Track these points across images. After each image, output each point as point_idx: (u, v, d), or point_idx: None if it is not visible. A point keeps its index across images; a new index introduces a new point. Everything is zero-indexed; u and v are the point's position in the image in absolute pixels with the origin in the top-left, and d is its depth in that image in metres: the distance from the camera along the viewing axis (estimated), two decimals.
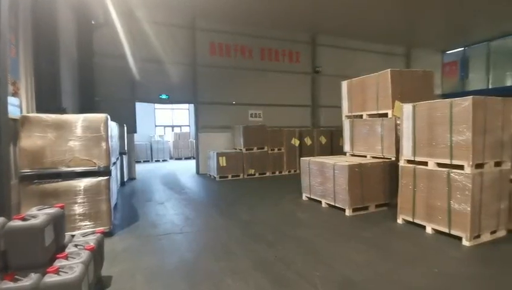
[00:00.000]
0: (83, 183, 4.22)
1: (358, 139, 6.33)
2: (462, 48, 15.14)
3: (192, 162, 11.79)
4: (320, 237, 4.25)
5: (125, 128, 8.51)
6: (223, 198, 7.03)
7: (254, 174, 9.67)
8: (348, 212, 5.27)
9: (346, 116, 6.66)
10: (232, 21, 10.47)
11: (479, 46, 14.51)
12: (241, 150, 9.63)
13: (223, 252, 3.81)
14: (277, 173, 10.05)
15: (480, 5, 9.98)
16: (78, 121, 4.25)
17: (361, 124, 6.25)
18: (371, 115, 6.04)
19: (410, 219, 4.56)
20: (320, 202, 5.97)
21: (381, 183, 5.48)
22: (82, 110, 7.67)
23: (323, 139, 10.79)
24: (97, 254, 2.81)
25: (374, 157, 5.92)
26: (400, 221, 4.75)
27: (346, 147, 6.67)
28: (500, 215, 4.04)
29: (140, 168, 11.63)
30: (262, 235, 4.37)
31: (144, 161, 15.09)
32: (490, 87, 13.97)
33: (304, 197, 6.46)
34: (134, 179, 9.67)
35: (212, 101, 10.61)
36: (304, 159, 6.47)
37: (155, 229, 4.71)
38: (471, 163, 3.73)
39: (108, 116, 4.51)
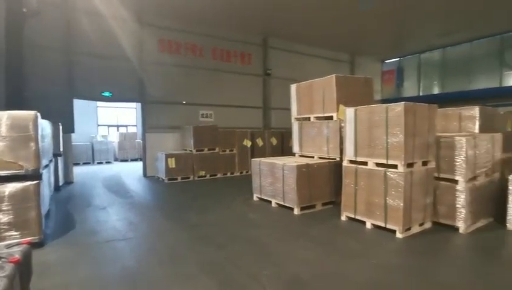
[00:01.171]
0: (8, 188, 3.74)
1: (307, 141, 6.59)
2: (398, 58, 16.73)
3: (139, 164, 11.20)
4: (270, 237, 4.32)
5: (61, 127, 7.74)
6: (171, 201, 6.79)
7: (205, 176, 9.51)
8: (296, 211, 5.44)
9: (295, 118, 6.89)
10: (182, 18, 10.19)
11: (411, 57, 16.16)
12: (191, 151, 9.40)
13: (168, 257, 3.66)
14: (229, 174, 10.01)
15: (412, 22, 11.12)
16: (2, 118, 3.76)
17: (309, 126, 6.51)
18: (318, 118, 6.33)
19: (353, 216, 4.87)
20: (270, 202, 6.08)
21: (327, 182, 5.76)
22: (8, 106, 6.79)
23: (274, 140, 11.04)
24: (23, 267, 2.49)
25: (321, 157, 6.20)
26: (343, 218, 5.03)
27: (295, 148, 6.90)
28: (427, 209, 4.51)
29: (79, 171, 10.70)
30: (211, 237, 4.31)
31: (84, 163, 13.91)
32: (421, 94, 15.62)
33: (255, 198, 6.52)
34: (72, 182, 8.86)
35: (161, 100, 10.19)
36: (255, 160, 6.54)
37: (94, 236, 4.36)
38: (403, 163, 4.11)
39: (39, 114, 4.06)
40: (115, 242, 4.14)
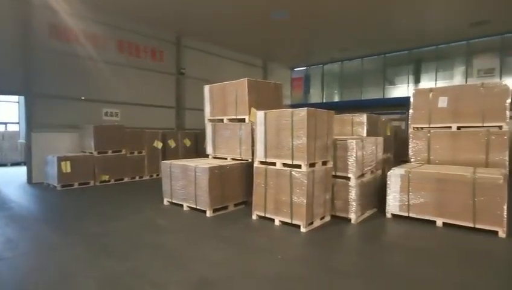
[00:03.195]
0: None
1: (220, 142, 6.60)
2: (306, 67, 18.34)
3: (23, 169, 9.43)
4: (181, 241, 4.15)
5: None
6: (65, 210, 5.90)
7: (109, 181, 8.60)
8: (208, 214, 5.37)
9: (209, 119, 6.83)
10: (82, 3, 9.02)
11: (317, 67, 17.92)
12: (91, 153, 8.37)
13: (59, 276, 3.15)
14: (137, 178, 9.29)
15: (317, 36, 12.34)
16: None
17: (222, 127, 6.53)
18: (231, 120, 6.40)
19: (263, 214, 5.07)
20: (182, 205, 5.86)
21: (239, 183, 5.87)
22: None
23: (187, 142, 10.74)
24: None
25: (234, 159, 6.28)
26: (254, 217, 5.20)
27: (209, 150, 6.84)
28: (326, 204, 5.02)
29: None
30: (114, 248, 3.90)
31: None
32: (324, 101, 17.45)
33: (166, 202, 6.20)
34: None
35: (53, 94, 8.80)
36: (165, 162, 6.22)
37: None
38: (306, 163, 4.48)
39: None
40: None
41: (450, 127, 5.72)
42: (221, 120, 6.56)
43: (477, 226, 4.49)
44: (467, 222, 4.57)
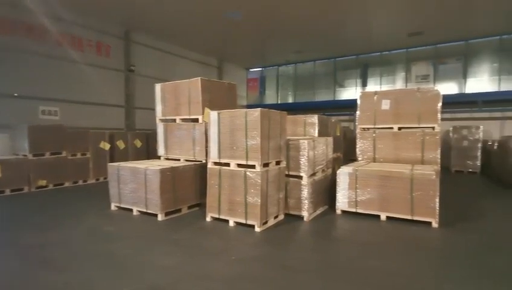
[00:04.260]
0: None
1: (173, 143, 6.37)
2: (261, 68, 18.56)
3: None
4: (130, 248, 3.91)
5: None
6: None
7: (47, 186, 7.81)
8: (160, 217, 5.15)
9: (160, 119, 6.56)
10: None
11: (272, 68, 18.24)
12: (25, 155, 7.52)
13: None
14: (81, 182, 8.58)
15: (272, 38, 12.55)
16: None
17: (175, 128, 6.32)
18: (184, 120, 6.21)
19: (217, 216, 5.00)
20: (131, 210, 5.54)
21: (193, 185, 5.72)
22: None
23: (138, 143, 10.19)
24: None
25: (187, 160, 6.11)
26: (208, 219, 5.10)
27: (161, 151, 6.57)
28: (280, 203, 5.11)
29: None
30: (54, 259, 3.54)
31: None
32: (279, 102, 17.82)
33: (113, 207, 5.81)
34: None
35: None
36: (112, 165, 5.83)
37: None
38: (260, 163, 4.51)
39: None
40: None
41: (392, 127, 6.19)
42: (174, 120, 6.34)
43: (415, 218, 4.91)
44: (406, 215, 4.98)
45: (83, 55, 10.08)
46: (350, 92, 15.78)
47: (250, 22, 10.77)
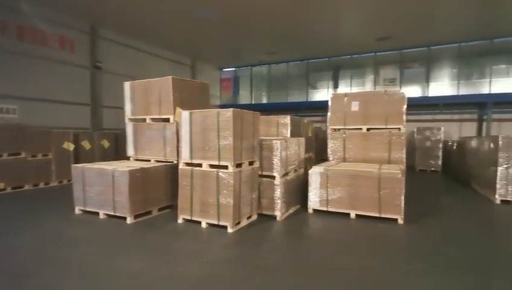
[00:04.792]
0: None
1: (143, 143, 6.17)
2: (235, 68, 18.50)
3: None
4: (97, 254, 3.72)
5: None
6: None
7: (5, 189, 7.25)
8: (129, 220, 4.96)
9: (130, 119, 6.32)
10: None
11: (246, 69, 18.23)
12: None
13: None
14: (42, 185, 8.06)
15: (245, 38, 12.54)
16: None
17: (145, 128, 6.12)
18: (154, 119, 6.04)
19: (189, 217, 4.90)
20: (97, 213, 5.29)
21: (164, 186, 5.57)
22: None
23: (106, 143, 9.76)
24: None
25: (158, 161, 5.94)
26: (180, 221, 4.98)
27: (130, 152, 6.33)
28: (253, 204, 5.10)
29: None
30: (12, 267, 3.29)
31: None
32: (253, 102, 17.85)
33: (77, 211, 5.51)
34: None
35: None
36: (77, 166, 5.53)
37: None
38: (233, 163, 4.48)
39: None
40: None
41: (361, 128, 6.40)
42: (144, 120, 6.13)
43: (382, 215, 5.11)
44: (374, 213, 5.16)
45: (45, 50, 9.49)
46: (322, 93, 16.15)
47: (222, 22, 10.70)
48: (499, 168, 6.55)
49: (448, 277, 3.17)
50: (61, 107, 9.89)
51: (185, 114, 4.84)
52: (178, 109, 5.60)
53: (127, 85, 6.30)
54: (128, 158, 6.39)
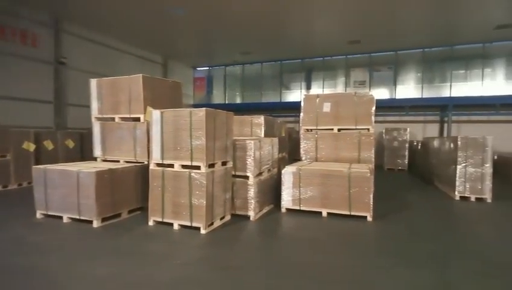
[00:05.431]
0: None
1: (112, 143, 5.92)
2: (208, 68, 18.28)
3: None
4: (61, 260, 3.51)
5: None
6: None
7: None
8: (96, 224, 4.74)
9: (97, 118, 6.04)
10: None
11: (219, 68, 18.07)
12: None
13: None
14: (0, 187, 7.51)
15: (218, 37, 12.43)
16: None
17: (114, 127, 5.88)
18: (123, 118, 5.82)
19: (160, 219, 4.77)
20: (61, 217, 5.00)
21: (134, 188, 5.38)
22: None
23: (70, 143, 9.25)
24: None
25: (127, 161, 5.73)
26: (151, 223, 4.84)
27: (97, 152, 6.06)
28: (226, 204, 5.06)
29: None
30: None
31: None
32: (227, 102, 17.73)
33: (39, 215, 5.18)
34: None
35: None
36: (38, 168, 5.20)
37: None
38: (205, 164, 4.42)
39: None
40: None
41: (332, 129, 6.57)
42: (112, 119, 5.89)
43: (353, 213, 5.27)
44: (345, 211, 5.31)
45: (4, 45, 8.83)
46: (296, 94, 16.39)
47: (195, 20, 10.53)
48: (458, 167, 6.99)
49: (413, 271, 3.33)
50: (21, 104, 9.26)
51: (156, 113, 4.70)
52: (149, 108, 5.44)
53: (93, 82, 6.02)
54: (95, 159, 6.11)
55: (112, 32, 11.75)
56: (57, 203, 5.00)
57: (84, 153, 9.38)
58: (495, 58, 13.22)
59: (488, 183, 6.82)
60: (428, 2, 9.07)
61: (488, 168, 6.82)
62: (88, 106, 6.11)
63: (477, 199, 6.92)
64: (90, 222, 4.77)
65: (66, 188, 4.89)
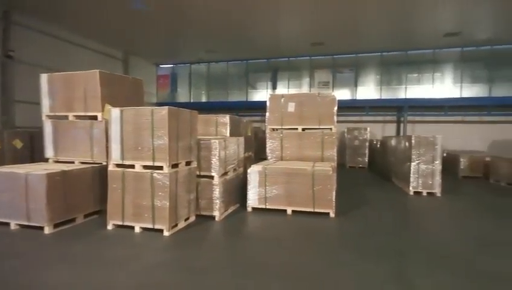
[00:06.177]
0: None
1: (65, 143, 5.53)
2: (172, 65, 17.77)
3: None
4: (9, 270, 3.20)
5: None
6: None
7: None
8: (47, 230, 4.39)
9: (48, 116, 5.61)
10: None
11: (184, 66, 17.63)
12: None
13: None
14: None
15: (182, 34, 12.13)
16: None
17: (68, 126, 5.49)
18: (78, 117, 5.46)
19: (120, 223, 4.54)
20: (7, 224, 4.57)
21: (90, 190, 5.07)
22: None
23: (18, 143, 8.46)
24: None
25: (83, 162, 5.38)
26: (110, 227, 4.59)
27: (49, 153, 5.63)
28: (191, 205, 4.95)
29: None
30: None
31: None
32: (192, 101, 17.37)
33: None
34: None
35: None
36: None
37: None
38: (168, 164, 4.28)
39: None
40: None
41: (297, 128, 6.70)
42: (66, 117, 5.50)
43: (316, 210, 5.42)
44: (309, 208, 5.44)
45: None
46: (262, 93, 16.48)
47: (158, 15, 10.18)
48: (412, 164, 7.47)
49: (372, 264, 3.49)
50: None
51: (115, 112, 4.47)
52: (107, 106, 5.16)
53: (44, 77, 5.57)
54: (46, 160, 5.67)
55: (67, 24, 10.96)
56: (3, 208, 4.56)
57: (34, 154, 8.61)
58: (444, 63, 14.33)
59: (438, 178, 7.38)
60: (386, 9, 9.59)
61: (438, 164, 7.37)
62: (39, 103, 5.65)
63: (428, 193, 7.45)
64: (41, 228, 4.41)
65: (12, 192, 4.48)
